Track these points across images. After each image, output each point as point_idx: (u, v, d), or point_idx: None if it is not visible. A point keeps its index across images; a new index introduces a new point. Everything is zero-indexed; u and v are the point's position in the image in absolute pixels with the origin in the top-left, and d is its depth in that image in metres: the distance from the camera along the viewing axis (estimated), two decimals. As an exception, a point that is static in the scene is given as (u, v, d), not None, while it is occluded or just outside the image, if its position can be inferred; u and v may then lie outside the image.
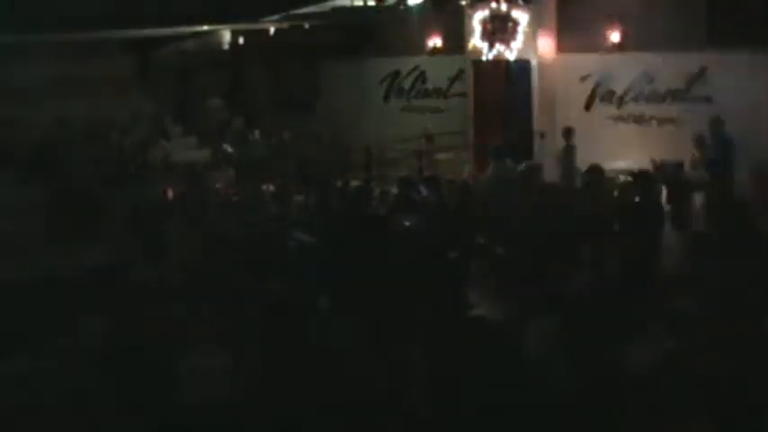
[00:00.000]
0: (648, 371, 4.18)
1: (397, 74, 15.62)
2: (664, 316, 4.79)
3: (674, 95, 11.77)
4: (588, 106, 12.63)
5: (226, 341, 4.98)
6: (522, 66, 12.78)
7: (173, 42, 17.01)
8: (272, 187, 11.35)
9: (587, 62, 12.46)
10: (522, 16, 12.43)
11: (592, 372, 4.10)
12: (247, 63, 17.86)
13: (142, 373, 4.76)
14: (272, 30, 15.93)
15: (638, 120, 12.17)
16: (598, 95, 12.52)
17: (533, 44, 12.49)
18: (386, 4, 13.96)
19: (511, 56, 12.68)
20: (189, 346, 4.98)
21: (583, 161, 10.86)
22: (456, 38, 13.75)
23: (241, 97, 17.95)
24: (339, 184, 10.89)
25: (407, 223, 7.58)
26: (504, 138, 12.65)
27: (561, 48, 12.67)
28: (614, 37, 11.96)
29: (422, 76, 15.32)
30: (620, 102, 12.30)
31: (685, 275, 5.97)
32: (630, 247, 6.88)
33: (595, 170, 8.39)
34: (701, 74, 11.45)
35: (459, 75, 14.37)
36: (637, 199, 7.77)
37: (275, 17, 15.29)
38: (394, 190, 9.53)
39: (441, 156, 13.63)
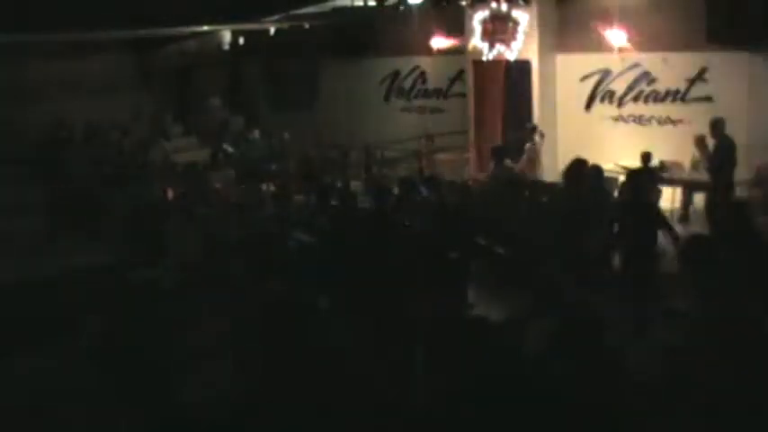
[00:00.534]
0: (648, 371, 4.18)
1: (397, 74, 15.63)
2: (663, 316, 4.79)
3: (675, 95, 11.76)
4: (588, 106, 12.63)
5: (226, 341, 4.98)
6: (522, 66, 12.77)
7: (173, 42, 17.03)
8: (272, 187, 11.36)
9: (587, 62, 12.45)
10: (522, 16, 12.43)
11: (592, 372, 4.10)
12: (247, 63, 17.87)
13: (142, 373, 4.75)
14: (272, 30, 15.93)
15: (638, 120, 12.16)
16: (598, 95, 12.51)
17: (533, 44, 12.48)
18: (386, 3, 13.97)
19: (511, 56, 12.68)
20: (189, 346, 4.98)
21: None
22: (456, 38, 13.75)
23: (241, 97, 17.97)
24: (339, 184, 10.89)
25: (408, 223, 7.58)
26: (504, 138, 12.66)
27: (561, 48, 12.66)
28: (614, 37, 11.95)
29: (422, 77, 15.33)
30: (620, 102, 12.30)
31: (685, 275, 5.96)
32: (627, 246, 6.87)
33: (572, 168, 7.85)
34: (701, 74, 11.44)
35: (459, 75, 14.37)
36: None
37: (275, 17, 15.32)
38: (394, 190, 9.53)
39: (441, 156, 13.64)
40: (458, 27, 13.45)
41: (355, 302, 5.71)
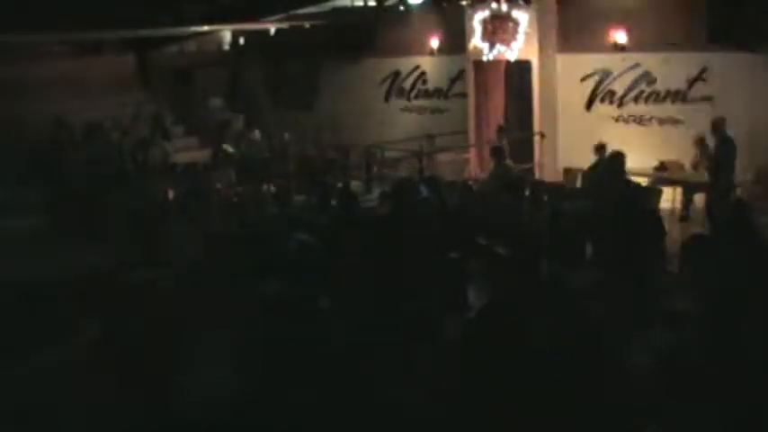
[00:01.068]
0: (647, 370, 4.18)
1: (397, 74, 15.64)
2: (663, 316, 4.79)
3: (675, 95, 11.77)
4: (588, 106, 12.63)
5: (225, 341, 4.98)
6: (523, 66, 12.78)
7: (173, 42, 17.03)
8: (272, 187, 11.36)
9: (587, 62, 12.46)
10: (522, 16, 12.43)
11: (593, 370, 4.10)
12: (247, 63, 17.88)
13: (141, 374, 4.75)
14: (272, 30, 15.95)
15: (639, 120, 12.16)
16: (598, 96, 12.52)
17: (534, 44, 12.48)
18: (386, 3, 13.98)
19: (511, 56, 12.69)
20: (188, 345, 4.98)
21: (584, 161, 10.88)
22: (457, 38, 13.75)
23: (241, 97, 17.98)
24: (339, 184, 10.88)
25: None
26: (504, 138, 12.67)
27: (561, 48, 12.66)
28: (614, 37, 11.95)
29: (422, 77, 15.33)
30: (621, 102, 12.30)
31: (684, 276, 5.96)
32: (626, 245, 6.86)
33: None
34: (702, 74, 11.44)
35: (459, 75, 14.38)
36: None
37: (275, 17, 15.33)
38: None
39: (441, 156, 13.64)
40: (458, 27, 13.46)
41: (355, 303, 5.71)
